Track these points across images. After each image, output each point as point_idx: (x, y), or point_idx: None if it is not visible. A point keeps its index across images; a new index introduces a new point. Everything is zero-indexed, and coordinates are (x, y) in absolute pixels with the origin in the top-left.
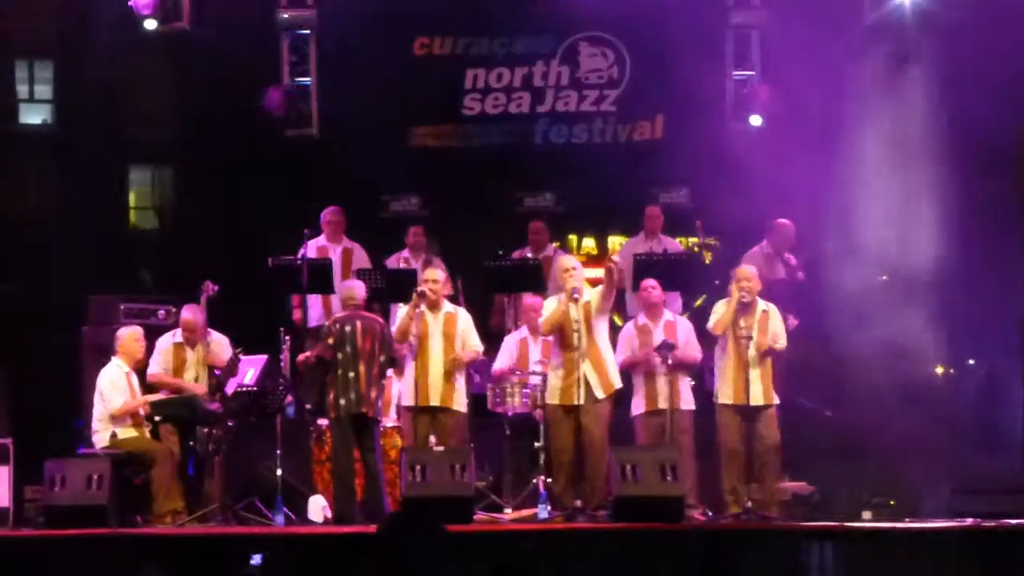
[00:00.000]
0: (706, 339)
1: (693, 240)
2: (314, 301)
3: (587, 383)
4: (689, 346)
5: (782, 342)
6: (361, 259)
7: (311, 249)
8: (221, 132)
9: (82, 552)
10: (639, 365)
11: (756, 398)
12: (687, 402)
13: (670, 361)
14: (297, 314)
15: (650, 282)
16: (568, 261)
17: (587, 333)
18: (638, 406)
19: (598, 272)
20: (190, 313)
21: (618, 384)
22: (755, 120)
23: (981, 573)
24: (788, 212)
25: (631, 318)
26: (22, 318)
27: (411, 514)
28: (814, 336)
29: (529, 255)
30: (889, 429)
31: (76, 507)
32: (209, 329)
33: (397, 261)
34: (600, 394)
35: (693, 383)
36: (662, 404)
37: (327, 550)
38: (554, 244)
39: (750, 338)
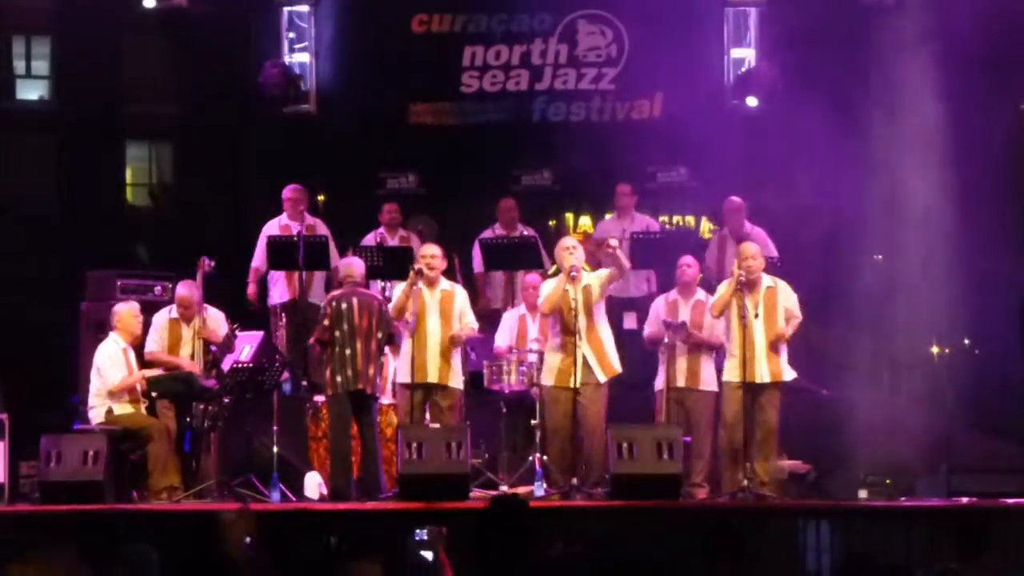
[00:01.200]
0: None
1: (690, 218)
2: (277, 278)
3: (587, 366)
4: (715, 327)
5: (797, 316)
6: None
7: (273, 227)
8: (218, 109)
9: (78, 528)
10: (661, 341)
11: (762, 376)
12: (707, 383)
13: (686, 340)
14: (251, 289)
15: (687, 259)
16: (568, 240)
17: (587, 315)
18: (659, 382)
19: None
20: (185, 289)
21: (618, 368)
22: (751, 101)
23: (976, 552)
24: (787, 191)
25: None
26: (18, 293)
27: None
28: (809, 314)
29: (499, 232)
30: (885, 408)
31: (72, 483)
32: (205, 305)
33: (374, 238)
34: (602, 378)
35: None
36: (679, 382)
37: (322, 527)
38: (551, 222)
39: (756, 315)
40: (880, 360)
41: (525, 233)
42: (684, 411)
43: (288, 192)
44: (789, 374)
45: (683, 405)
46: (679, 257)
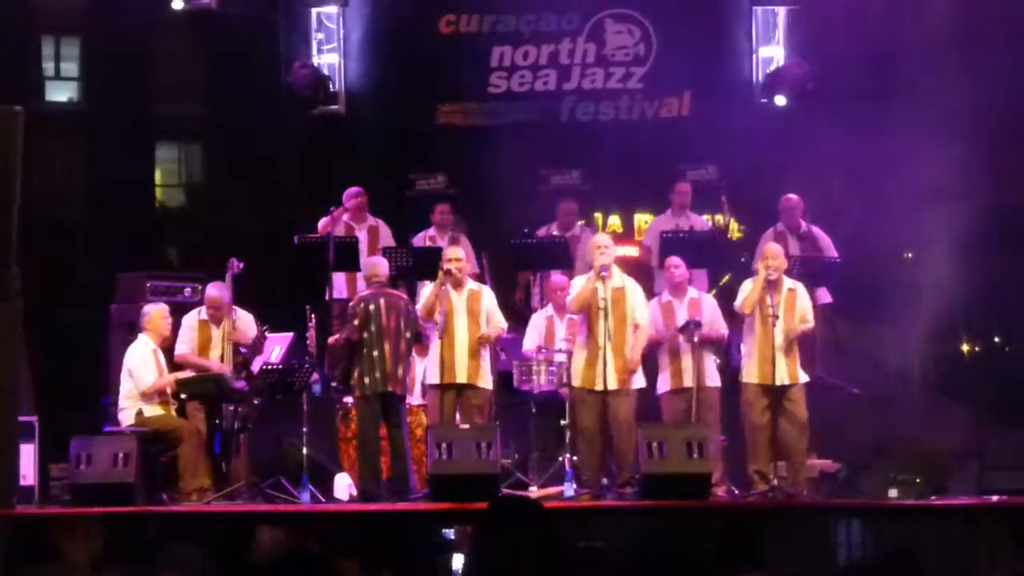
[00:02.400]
0: (731, 316)
1: (719, 217)
2: (337, 277)
3: (615, 367)
4: (715, 323)
5: (809, 323)
6: (386, 236)
7: (340, 227)
8: (248, 110)
9: (108, 530)
10: (663, 343)
11: (782, 377)
12: (712, 379)
13: (696, 339)
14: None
15: (674, 260)
16: (601, 239)
17: (615, 316)
18: (663, 384)
19: (629, 250)
20: (215, 290)
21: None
22: (780, 100)
23: (1009, 550)
24: (816, 189)
25: (657, 295)
26: (49, 295)
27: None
28: (841, 313)
29: (556, 232)
30: (915, 406)
31: (102, 485)
32: (235, 307)
33: (423, 239)
34: (636, 383)
35: (718, 361)
36: (687, 382)
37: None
38: (580, 222)
39: (777, 317)
40: (910, 357)
41: (578, 234)
42: (692, 410)
43: (350, 198)
44: (804, 376)
45: (691, 404)
46: (712, 256)
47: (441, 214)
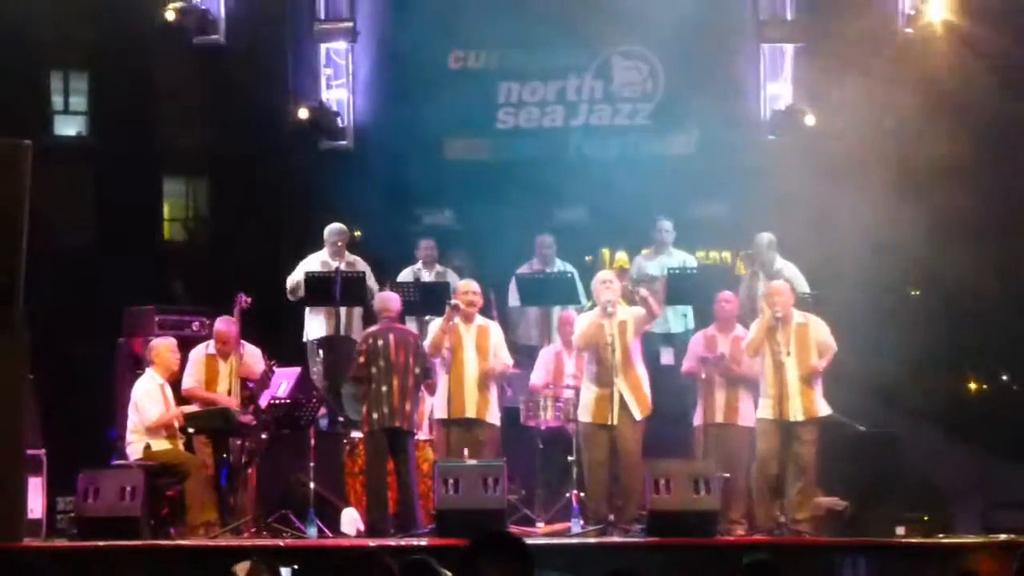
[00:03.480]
0: None
1: (726, 254)
2: (315, 313)
3: (623, 403)
4: (754, 362)
5: (832, 349)
6: (368, 274)
7: (314, 263)
8: (255, 144)
9: (115, 564)
10: (698, 376)
11: (796, 413)
12: (745, 418)
13: (717, 376)
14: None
15: (726, 295)
16: (605, 274)
17: (623, 351)
18: (698, 417)
19: None
20: (223, 325)
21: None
22: (788, 135)
23: None
24: (821, 226)
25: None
26: (56, 329)
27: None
28: (845, 349)
29: (536, 267)
30: (922, 444)
31: (109, 518)
32: (242, 341)
33: (411, 274)
34: (638, 415)
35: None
36: (719, 418)
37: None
38: (587, 257)
39: (788, 354)
40: (916, 395)
41: (563, 269)
42: (722, 447)
43: (331, 232)
44: (824, 409)
45: (721, 441)
46: (714, 293)
47: (426, 249)
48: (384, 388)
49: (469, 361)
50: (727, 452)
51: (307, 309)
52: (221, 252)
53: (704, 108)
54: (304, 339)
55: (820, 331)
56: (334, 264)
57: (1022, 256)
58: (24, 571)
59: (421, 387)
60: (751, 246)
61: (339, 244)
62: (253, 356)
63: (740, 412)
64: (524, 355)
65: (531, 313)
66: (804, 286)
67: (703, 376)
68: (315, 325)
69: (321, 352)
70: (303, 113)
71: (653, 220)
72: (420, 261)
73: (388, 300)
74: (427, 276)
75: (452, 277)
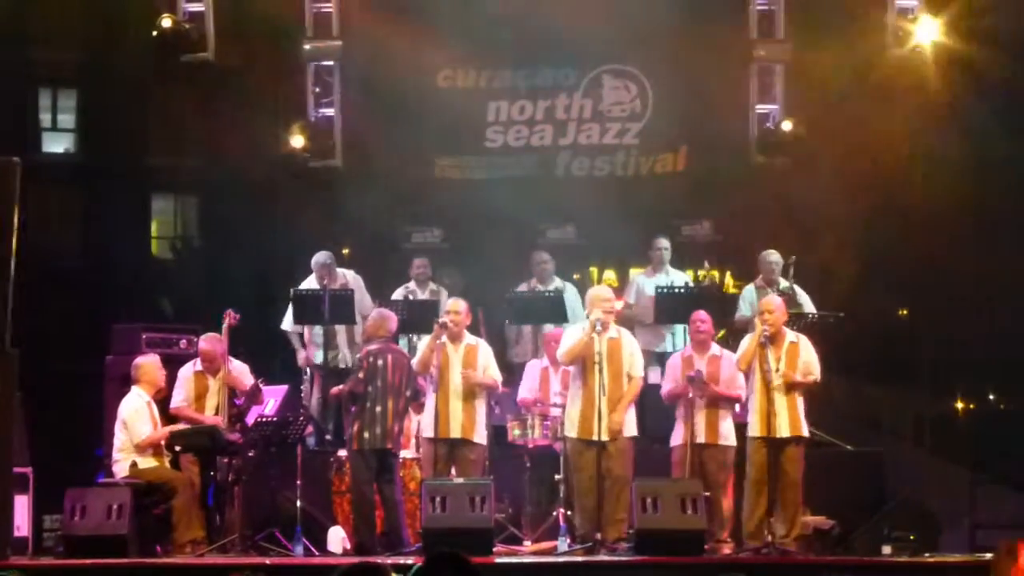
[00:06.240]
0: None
1: (714, 273)
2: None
3: (610, 422)
4: (732, 382)
5: (815, 375)
6: (359, 288)
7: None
8: (244, 162)
9: None
10: (680, 397)
11: (783, 430)
12: (726, 438)
13: (701, 395)
14: (302, 355)
15: (700, 315)
16: (604, 292)
17: (611, 369)
18: (676, 438)
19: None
20: (207, 343)
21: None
22: (777, 155)
23: None
24: (811, 245)
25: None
26: (44, 346)
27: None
28: (833, 368)
29: (538, 287)
30: (909, 463)
31: (96, 537)
32: (229, 357)
33: (403, 293)
34: (627, 432)
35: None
36: (700, 438)
37: None
38: (575, 275)
39: (778, 371)
40: (905, 415)
41: (560, 287)
42: (703, 467)
43: (316, 264)
44: (806, 430)
45: (703, 461)
46: (707, 312)
47: (419, 268)
48: (379, 409)
49: (456, 380)
50: (708, 472)
51: (306, 333)
52: (209, 270)
53: (693, 127)
54: (302, 364)
55: (809, 354)
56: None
57: (1011, 276)
58: None
59: (408, 409)
60: (758, 263)
61: (324, 272)
62: (240, 371)
63: (721, 432)
64: (519, 374)
65: (526, 331)
66: (810, 307)
67: (690, 395)
68: (315, 350)
69: (318, 375)
70: (297, 141)
71: (648, 239)
72: (413, 280)
73: (387, 319)
74: (421, 295)
75: (445, 295)
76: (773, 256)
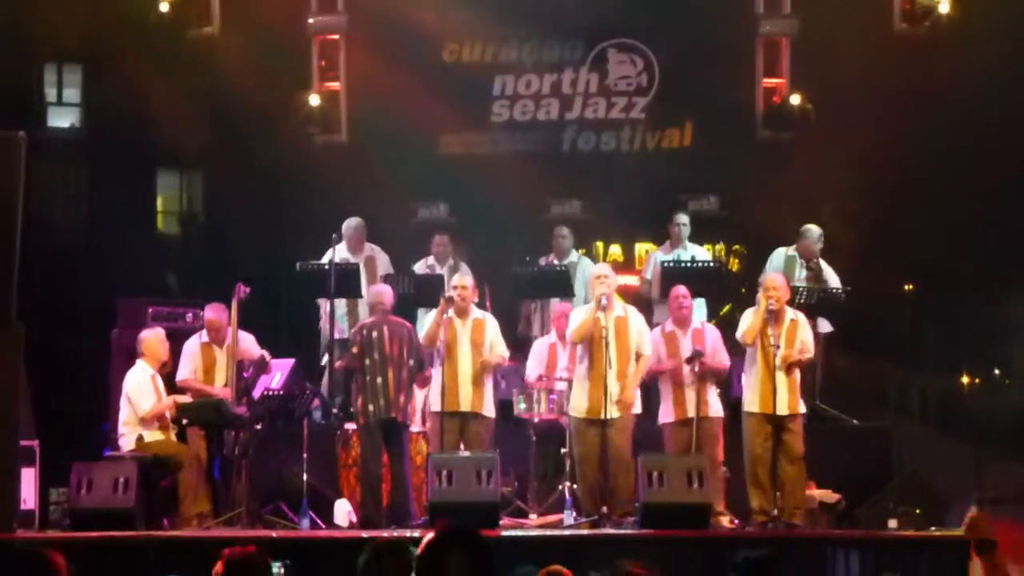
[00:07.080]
0: (733, 346)
1: (720, 247)
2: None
3: (618, 399)
4: (717, 353)
5: (809, 353)
6: (384, 265)
7: (336, 256)
8: (250, 137)
9: (108, 555)
10: (666, 373)
11: (782, 407)
12: (715, 410)
13: (697, 369)
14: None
15: (681, 290)
16: (600, 268)
17: (618, 346)
18: (666, 415)
19: (630, 280)
20: (213, 312)
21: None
22: (784, 129)
23: None
24: (817, 219)
25: (659, 324)
26: (50, 321)
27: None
28: (842, 343)
29: (555, 261)
30: (915, 438)
31: (102, 510)
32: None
33: (423, 268)
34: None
35: (719, 391)
36: (690, 413)
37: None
38: (580, 251)
39: (778, 347)
40: (910, 390)
41: (575, 260)
42: (697, 442)
43: (347, 227)
44: (802, 408)
45: (697, 436)
46: (712, 286)
47: (439, 244)
48: (379, 380)
49: (464, 355)
50: (701, 446)
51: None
52: (215, 245)
53: (699, 102)
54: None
55: (807, 332)
56: (353, 259)
57: (1016, 251)
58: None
59: (415, 379)
60: (799, 236)
61: (356, 238)
62: (247, 341)
63: (710, 404)
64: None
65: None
66: (836, 281)
67: (687, 372)
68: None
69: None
70: (314, 99)
71: (654, 214)
72: (433, 256)
73: (382, 293)
74: (441, 270)
75: (465, 271)
76: (816, 231)
